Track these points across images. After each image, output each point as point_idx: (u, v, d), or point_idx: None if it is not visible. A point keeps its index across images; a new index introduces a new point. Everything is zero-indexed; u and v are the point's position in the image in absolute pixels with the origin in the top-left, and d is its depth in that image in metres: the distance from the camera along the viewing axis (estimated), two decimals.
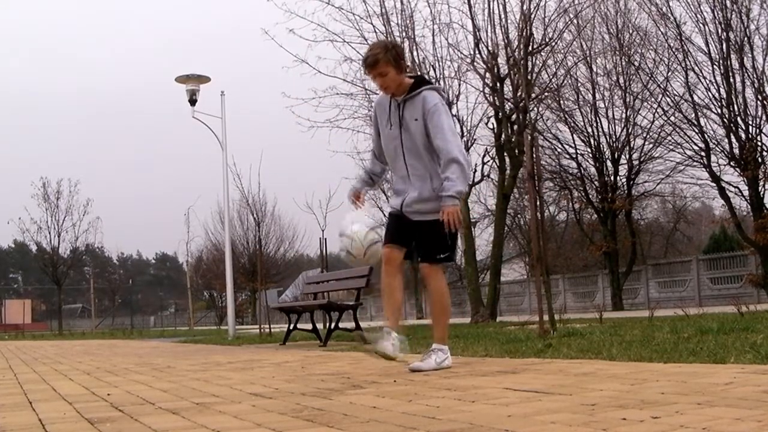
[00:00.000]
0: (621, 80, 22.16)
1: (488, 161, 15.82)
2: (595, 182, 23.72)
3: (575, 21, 16.41)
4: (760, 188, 18.84)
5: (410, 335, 8.63)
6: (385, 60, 3.76)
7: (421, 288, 34.37)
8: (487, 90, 14.36)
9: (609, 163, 23.31)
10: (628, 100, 22.23)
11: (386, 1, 14.34)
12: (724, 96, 18.53)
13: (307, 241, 47.01)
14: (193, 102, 14.94)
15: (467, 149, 15.12)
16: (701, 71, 18.98)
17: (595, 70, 22.54)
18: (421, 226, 3.82)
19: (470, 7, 14.24)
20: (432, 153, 3.79)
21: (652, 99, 21.15)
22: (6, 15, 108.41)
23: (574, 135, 23.47)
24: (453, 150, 3.71)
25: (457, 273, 37.19)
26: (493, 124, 14.66)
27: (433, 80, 13.23)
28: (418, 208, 3.81)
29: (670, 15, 19.24)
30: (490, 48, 14.16)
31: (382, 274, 3.89)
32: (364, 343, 3.98)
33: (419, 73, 3.64)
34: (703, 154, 19.60)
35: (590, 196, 23.96)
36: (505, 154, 14.31)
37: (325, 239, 16.20)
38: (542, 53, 14.70)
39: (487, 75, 14.23)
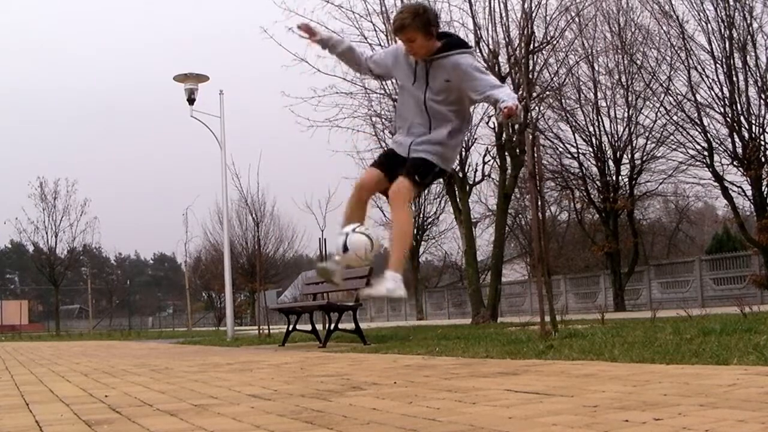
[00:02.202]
0: (623, 79, 22.12)
1: (489, 161, 15.82)
2: (597, 182, 23.67)
3: (577, 19, 16.41)
4: (763, 188, 18.80)
5: (411, 336, 8.63)
6: (413, 26, 3.59)
7: (422, 288, 34.27)
8: None
9: (611, 163, 23.26)
10: (630, 99, 22.18)
11: None
12: (727, 95, 18.51)
13: (306, 242, 46.95)
14: (191, 101, 14.86)
15: (468, 149, 15.12)
16: (704, 70, 18.98)
17: (596, 68, 22.53)
18: (414, 159, 3.72)
19: (471, 5, 14.26)
20: (455, 113, 3.73)
21: (655, 98, 21.13)
22: (5, 14, 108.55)
23: (576, 134, 23.45)
24: (504, 88, 3.69)
25: (457, 273, 37.20)
26: (493, 123, 14.65)
27: None
28: (425, 148, 3.71)
29: (672, 13, 19.25)
30: (491, 46, 14.15)
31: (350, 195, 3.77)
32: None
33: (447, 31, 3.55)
34: (705, 153, 19.58)
35: (592, 196, 23.90)
36: (506, 153, 14.28)
37: (325, 239, 16.20)
38: (543, 52, 14.69)
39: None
